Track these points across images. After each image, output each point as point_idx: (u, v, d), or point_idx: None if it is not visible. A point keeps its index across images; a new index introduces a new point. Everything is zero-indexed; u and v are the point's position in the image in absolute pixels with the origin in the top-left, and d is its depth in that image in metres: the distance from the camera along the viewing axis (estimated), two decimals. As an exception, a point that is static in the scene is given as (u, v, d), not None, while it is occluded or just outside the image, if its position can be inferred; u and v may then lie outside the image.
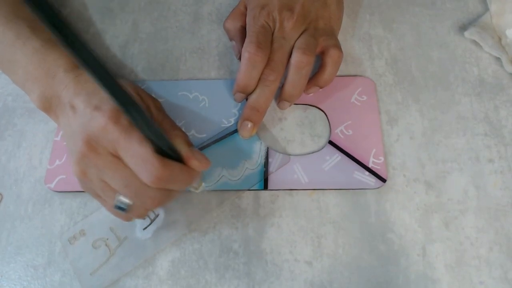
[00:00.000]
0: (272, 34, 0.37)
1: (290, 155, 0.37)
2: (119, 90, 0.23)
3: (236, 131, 0.38)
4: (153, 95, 0.40)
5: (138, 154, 0.27)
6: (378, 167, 0.36)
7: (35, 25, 0.35)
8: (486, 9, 0.43)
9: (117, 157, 0.29)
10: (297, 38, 0.37)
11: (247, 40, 0.36)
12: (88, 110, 0.29)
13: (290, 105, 0.38)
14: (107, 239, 0.34)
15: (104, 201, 0.31)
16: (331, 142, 0.37)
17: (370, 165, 0.36)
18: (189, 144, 0.30)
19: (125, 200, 0.29)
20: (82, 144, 0.29)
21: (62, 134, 0.38)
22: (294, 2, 0.37)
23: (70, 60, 0.33)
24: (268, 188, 0.35)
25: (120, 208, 0.29)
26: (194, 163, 0.29)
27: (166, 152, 0.28)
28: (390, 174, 0.36)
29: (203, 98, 0.40)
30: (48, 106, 0.33)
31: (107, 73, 0.22)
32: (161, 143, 0.27)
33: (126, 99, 0.24)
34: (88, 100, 0.30)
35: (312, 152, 0.37)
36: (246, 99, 0.38)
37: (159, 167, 0.27)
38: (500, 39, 0.41)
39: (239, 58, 0.40)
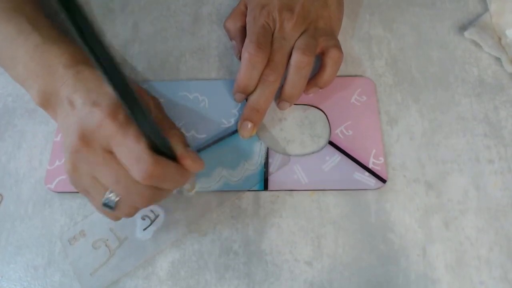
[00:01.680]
0: (272, 34, 0.37)
1: (290, 155, 0.37)
2: (124, 83, 0.23)
3: (236, 131, 0.38)
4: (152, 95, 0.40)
5: (132, 151, 0.27)
6: (378, 168, 0.36)
7: (36, 22, 0.35)
8: (486, 9, 0.43)
9: (110, 153, 0.28)
10: (297, 39, 0.37)
11: (247, 40, 0.36)
12: (87, 106, 0.29)
13: (290, 106, 0.38)
14: (107, 239, 0.34)
15: (92, 198, 0.31)
16: (331, 143, 0.37)
17: (370, 166, 0.36)
18: (186, 144, 0.30)
19: (113, 197, 0.29)
20: (76, 138, 0.29)
21: (59, 129, 0.38)
22: (294, 2, 0.37)
23: (70, 56, 0.33)
24: (268, 189, 0.35)
25: (107, 205, 0.29)
26: (188, 163, 0.29)
27: (162, 150, 0.28)
28: (390, 175, 0.36)
29: (203, 98, 0.40)
30: (47, 102, 0.33)
31: (115, 66, 0.22)
32: (158, 140, 0.27)
33: (130, 93, 0.23)
34: (86, 96, 0.30)
35: (312, 153, 0.37)
36: (246, 100, 0.38)
37: (151, 164, 0.27)
38: (500, 39, 0.41)
39: (239, 58, 0.40)
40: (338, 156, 0.36)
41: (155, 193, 0.29)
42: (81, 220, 0.35)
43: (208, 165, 0.36)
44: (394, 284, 0.32)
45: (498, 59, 0.40)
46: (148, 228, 0.34)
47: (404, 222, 0.34)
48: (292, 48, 0.36)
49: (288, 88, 0.37)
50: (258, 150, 0.37)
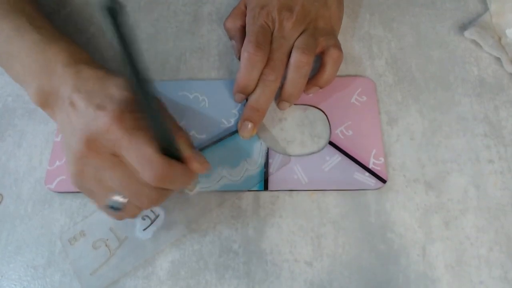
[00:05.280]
0: (272, 34, 0.37)
1: (290, 155, 0.37)
2: (145, 80, 0.23)
3: (236, 131, 0.38)
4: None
5: (142, 154, 0.27)
6: (378, 168, 0.36)
7: (35, 20, 0.35)
8: (486, 8, 0.43)
9: (117, 157, 0.28)
10: (297, 38, 0.37)
11: (246, 40, 0.36)
12: (91, 109, 0.29)
13: (290, 106, 0.38)
14: (107, 239, 0.34)
15: (97, 199, 0.31)
16: (331, 143, 0.37)
17: (370, 166, 0.36)
18: (192, 146, 0.30)
19: (119, 199, 0.29)
20: (82, 143, 0.28)
21: (58, 129, 0.38)
22: (293, 2, 0.37)
23: (70, 55, 0.33)
24: (268, 189, 0.35)
25: (113, 207, 0.29)
26: (196, 165, 0.29)
27: (169, 152, 0.28)
28: (390, 175, 0.36)
29: (203, 98, 0.40)
30: (45, 101, 0.33)
31: (139, 65, 0.23)
32: (166, 142, 0.27)
33: (149, 91, 0.24)
34: (89, 99, 0.29)
35: (312, 153, 0.37)
36: (247, 100, 0.38)
37: (162, 167, 0.27)
38: (500, 39, 0.41)
39: (239, 58, 0.40)
40: (338, 156, 0.36)
41: (161, 194, 0.29)
42: (81, 220, 0.35)
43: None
44: (394, 284, 0.32)
45: (498, 59, 0.40)
46: (148, 228, 0.34)
47: (404, 222, 0.34)
48: (292, 47, 0.36)
49: (288, 88, 0.37)
50: (258, 150, 0.37)
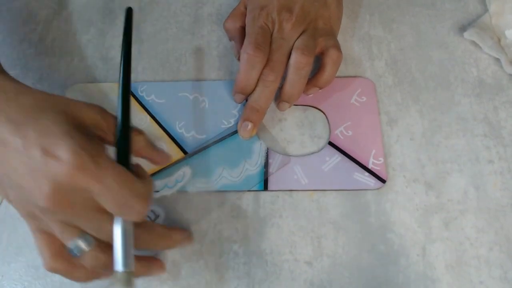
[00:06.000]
0: (271, 35, 0.37)
1: (290, 156, 0.37)
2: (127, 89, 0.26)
3: (236, 132, 0.38)
4: (152, 95, 0.40)
5: (119, 197, 0.25)
6: (378, 168, 0.36)
7: None
8: (486, 9, 0.43)
9: (88, 201, 0.25)
10: (296, 39, 0.37)
11: (246, 41, 0.36)
12: (36, 153, 0.24)
13: (289, 106, 0.38)
14: None
15: (51, 239, 0.27)
16: (330, 143, 0.37)
17: (370, 166, 0.36)
18: (147, 141, 0.30)
19: (82, 245, 0.26)
20: (44, 199, 0.24)
21: None
22: (293, 3, 0.37)
23: None
24: (268, 189, 0.35)
25: (72, 251, 0.26)
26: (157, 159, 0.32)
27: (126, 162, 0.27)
28: (390, 175, 0.36)
29: (203, 99, 0.40)
30: None
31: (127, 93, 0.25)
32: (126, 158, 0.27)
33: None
34: (25, 136, 0.24)
35: (312, 153, 0.37)
36: (246, 100, 0.38)
37: (145, 205, 0.26)
38: (499, 40, 0.41)
39: (238, 59, 0.40)
40: (338, 156, 0.36)
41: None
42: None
43: (208, 165, 0.36)
44: (394, 284, 0.32)
45: (497, 60, 0.40)
46: None
47: (404, 222, 0.34)
48: (291, 48, 0.36)
49: (287, 88, 0.37)
50: (258, 151, 0.37)
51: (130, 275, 0.26)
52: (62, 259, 0.28)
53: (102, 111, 0.28)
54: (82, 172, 0.24)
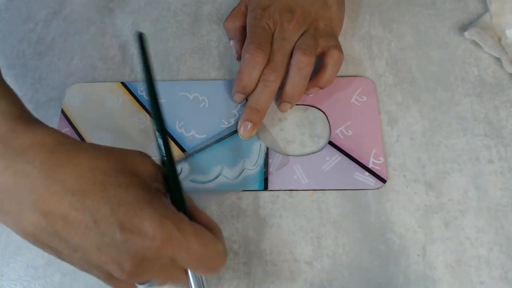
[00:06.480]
0: (273, 35, 0.37)
1: (290, 155, 0.37)
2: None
3: (235, 131, 0.38)
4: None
5: (203, 259, 0.24)
6: (378, 168, 0.36)
7: None
8: (486, 9, 0.43)
9: (169, 264, 0.24)
10: (298, 40, 0.37)
11: (247, 41, 0.36)
12: (113, 229, 0.21)
13: (291, 107, 0.38)
14: None
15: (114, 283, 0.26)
16: (331, 143, 0.37)
17: (370, 166, 0.36)
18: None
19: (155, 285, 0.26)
20: (125, 274, 0.23)
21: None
22: (294, 4, 0.37)
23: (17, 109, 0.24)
24: (268, 189, 0.35)
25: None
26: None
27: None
28: (390, 175, 0.36)
29: (203, 98, 0.40)
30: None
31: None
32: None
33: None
34: (95, 209, 0.21)
35: (312, 153, 0.37)
36: (246, 100, 0.38)
37: (224, 261, 0.26)
38: (500, 39, 0.41)
39: (238, 59, 0.40)
40: (338, 156, 0.36)
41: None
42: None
43: (208, 165, 0.36)
44: (394, 284, 0.32)
45: (498, 59, 0.40)
46: None
47: (404, 222, 0.34)
48: (292, 49, 0.36)
49: (289, 89, 0.37)
50: (258, 150, 0.37)
51: None
52: None
53: (153, 161, 0.26)
54: (169, 244, 0.22)
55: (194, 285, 0.26)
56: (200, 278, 0.26)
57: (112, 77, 0.42)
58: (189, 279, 0.26)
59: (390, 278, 0.32)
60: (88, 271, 0.25)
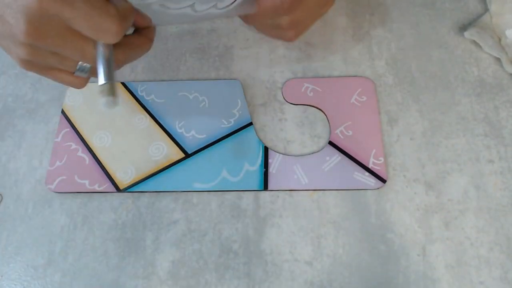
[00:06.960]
0: None
1: (290, 155, 0.37)
2: None
3: (236, 131, 0.38)
4: (152, 95, 0.40)
5: (91, 19, 0.25)
6: (378, 168, 0.36)
7: None
8: (486, 9, 0.43)
9: (66, 30, 0.26)
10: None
11: None
12: None
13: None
14: None
15: (59, 72, 0.29)
16: (331, 143, 0.37)
17: (370, 166, 0.36)
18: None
19: (86, 64, 0.28)
20: (23, 34, 0.25)
21: None
22: None
23: None
24: (268, 189, 0.35)
25: (82, 71, 0.29)
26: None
27: None
28: (390, 175, 0.36)
29: (203, 98, 0.40)
30: None
31: None
32: None
33: None
34: None
35: (312, 153, 0.37)
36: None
37: (118, 23, 0.26)
38: (499, 40, 0.41)
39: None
40: (338, 156, 0.36)
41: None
42: (81, 219, 0.35)
43: (208, 165, 0.36)
44: (394, 284, 0.32)
45: (498, 59, 0.40)
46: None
47: (404, 222, 0.34)
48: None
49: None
50: (258, 150, 0.37)
51: (112, 86, 0.27)
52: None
53: None
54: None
55: (100, 59, 0.27)
56: (109, 60, 0.27)
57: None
58: (97, 54, 0.27)
59: (390, 278, 0.32)
60: (4, 47, 0.27)
